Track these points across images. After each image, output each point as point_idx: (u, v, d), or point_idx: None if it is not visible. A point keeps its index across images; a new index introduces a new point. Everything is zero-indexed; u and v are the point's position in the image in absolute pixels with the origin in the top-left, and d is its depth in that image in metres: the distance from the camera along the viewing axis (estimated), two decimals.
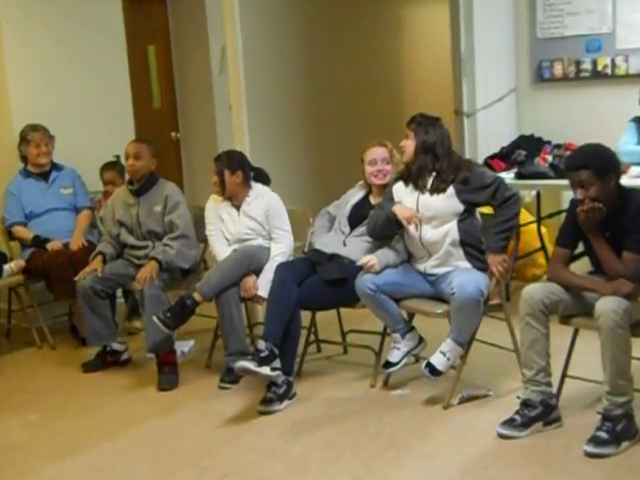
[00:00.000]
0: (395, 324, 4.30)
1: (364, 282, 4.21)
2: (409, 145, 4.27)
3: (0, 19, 5.68)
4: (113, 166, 5.75)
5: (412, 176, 4.29)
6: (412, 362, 4.41)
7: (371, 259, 4.22)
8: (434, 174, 4.22)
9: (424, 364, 4.12)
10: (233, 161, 4.79)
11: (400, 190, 4.34)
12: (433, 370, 4.09)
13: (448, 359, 4.11)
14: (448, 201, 4.18)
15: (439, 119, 4.34)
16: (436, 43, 7.27)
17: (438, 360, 4.10)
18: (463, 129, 6.18)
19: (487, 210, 4.52)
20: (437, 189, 4.20)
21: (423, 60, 8.55)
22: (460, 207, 4.18)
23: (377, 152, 4.62)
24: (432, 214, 4.19)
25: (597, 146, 3.83)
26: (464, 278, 4.07)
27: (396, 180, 4.42)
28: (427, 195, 4.23)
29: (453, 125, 6.03)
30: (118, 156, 5.75)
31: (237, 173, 4.76)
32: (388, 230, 4.33)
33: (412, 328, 4.34)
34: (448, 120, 5.94)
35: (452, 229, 4.18)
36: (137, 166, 4.93)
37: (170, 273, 4.87)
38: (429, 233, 4.21)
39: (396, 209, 4.23)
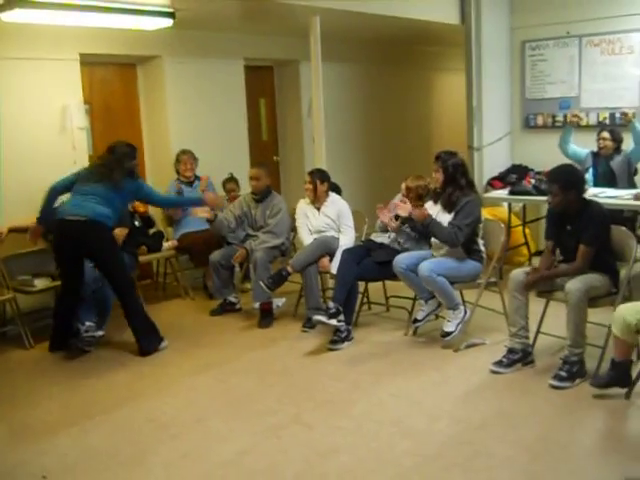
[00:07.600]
0: (420, 293, 4.16)
1: (398, 264, 4.10)
2: (439, 177, 4.05)
3: (166, 83, 5.72)
4: (231, 180, 5.71)
5: (442, 200, 4.08)
6: (433, 319, 4.34)
7: (427, 209, 4.01)
8: (454, 199, 4.00)
9: (442, 335, 4.06)
10: (323, 175, 4.74)
11: (429, 206, 4.15)
12: (448, 334, 4.05)
13: (449, 320, 4.04)
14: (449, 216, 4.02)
15: (456, 153, 4.09)
16: (456, 99, 7.12)
17: (448, 327, 4.04)
18: (474, 159, 6.15)
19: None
20: (450, 209, 4.02)
21: (447, 110, 8.41)
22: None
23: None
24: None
25: (568, 166, 3.73)
26: (431, 261, 3.98)
27: (429, 199, 4.24)
28: (442, 213, 4.04)
29: (467, 156, 5.94)
30: (231, 173, 5.69)
31: (325, 184, 4.70)
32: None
33: (433, 296, 4.12)
34: (463, 152, 5.89)
35: None
36: (257, 186, 4.87)
37: (273, 253, 4.79)
38: None
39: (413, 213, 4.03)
